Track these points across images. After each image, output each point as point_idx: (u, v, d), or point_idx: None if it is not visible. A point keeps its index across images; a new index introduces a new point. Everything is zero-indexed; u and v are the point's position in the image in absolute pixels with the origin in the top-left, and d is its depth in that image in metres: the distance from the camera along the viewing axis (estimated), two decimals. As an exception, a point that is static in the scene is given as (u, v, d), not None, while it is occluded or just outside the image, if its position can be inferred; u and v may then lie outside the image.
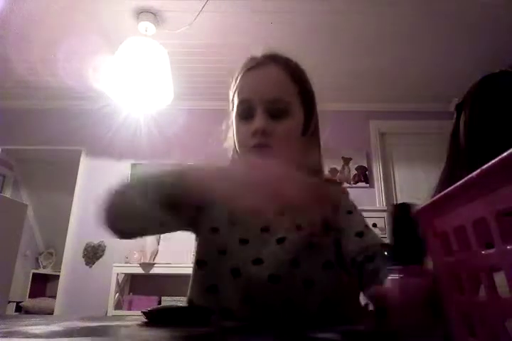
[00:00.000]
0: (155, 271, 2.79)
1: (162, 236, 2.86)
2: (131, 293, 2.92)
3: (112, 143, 3.32)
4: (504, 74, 0.76)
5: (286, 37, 2.62)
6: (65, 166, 3.56)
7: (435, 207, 0.30)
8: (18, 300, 3.72)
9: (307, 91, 0.82)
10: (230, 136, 0.86)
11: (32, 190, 4.32)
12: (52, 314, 3.04)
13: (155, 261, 2.82)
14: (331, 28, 2.54)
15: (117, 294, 2.76)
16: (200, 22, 2.43)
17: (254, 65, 0.80)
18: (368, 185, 3.28)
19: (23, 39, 2.64)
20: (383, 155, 3.40)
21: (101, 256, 3.09)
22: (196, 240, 0.82)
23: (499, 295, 0.24)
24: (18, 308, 3.71)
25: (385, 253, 0.70)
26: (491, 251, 0.24)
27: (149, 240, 2.82)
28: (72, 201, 3.24)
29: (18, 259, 3.13)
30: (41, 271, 4.22)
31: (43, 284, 4.20)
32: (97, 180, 3.30)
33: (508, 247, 0.22)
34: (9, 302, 3.29)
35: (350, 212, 0.79)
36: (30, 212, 3.98)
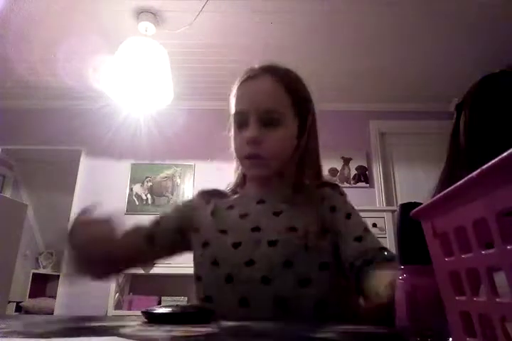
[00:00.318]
0: (155, 270, 2.77)
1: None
2: (131, 293, 2.92)
3: (112, 143, 3.32)
4: (504, 74, 0.76)
5: (286, 37, 2.63)
6: (65, 166, 3.56)
7: (435, 207, 0.30)
8: (18, 300, 3.72)
9: (302, 101, 0.85)
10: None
11: (32, 190, 4.32)
12: (52, 314, 3.04)
13: (155, 261, 2.81)
14: (331, 28, 2.54)
15: (117, 294, 2.76)
16: (200, 22, 2.43)
17: (250, 77, 0.83)
18: (368, 185, 3.28)
19: (23, 39, 2.64)
20: (383, 155, 3.40)
21: (101, 256, 3.09)
22: (193, 257, 0.85)
23: (499, 295, 0.24)
24: (18, 308, 3.71)
25: (385, 254, 0.70)
26: (491, 251, 0.24)
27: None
28: (72, 201, 3.24)
29: (18, 259, 3.14)
30: (41, 271, 4.22)
31: (43, 284, 4.20)
32: (97, 180, 3.30)
33: (508, 247, 0.22)
34: (9, 302, 3.29)
35: (348, 216, 0.79)
36: (30, 212, 3.98)
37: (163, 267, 2.79)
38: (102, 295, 2.76)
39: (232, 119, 0.85)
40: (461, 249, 0.27)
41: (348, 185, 3.27)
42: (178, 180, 3.29)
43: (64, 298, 3.01)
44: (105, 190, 3.26)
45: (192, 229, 0.85)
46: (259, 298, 0.71)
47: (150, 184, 3.28)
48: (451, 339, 0.32)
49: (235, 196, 0.88)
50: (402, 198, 3.29)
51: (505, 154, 0.21)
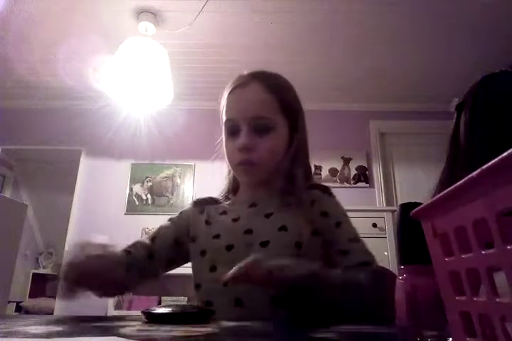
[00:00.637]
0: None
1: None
2: (131, 293, 2.92)
3: (112, 143, 3.32)
4: (504, 74, 0.76)
5: (286, 37, 2.63)
6: (65, 166, 3.56)
7: (435, 207, 0.30)
8: (18, 300, 3.72)
9: (291, 107, 0.87)
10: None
11: (32, 190, 4.32)
12: (52, 314, 3.04)
13: (155, 261, 2.81)
14: (331, 27, 2.54)
15: (117, 294, 2.76)
16: (200, 22, 2.43)
17: (239, 84, 0.85)
18: (368, 185, 3.28)
19: (24, 39, 2.64)
20: (383, 155, 3.40)
21: (101, 256, 3.09)
22: (191, 267, 0.86)
23: (499, 295, 0.24)
24: (18, 308, 3.71)
25: (366, 269, 0.72)
26: (491, 251, 0.24)
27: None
28: (72, 201, 3.24)
29: (18, 259, 3.13)
30: (41, 271, 4.22)
31: (43, 284, 4.20)
32: (97, 180, 3.30)
33: (508, 247, 0.22)
34: (9, 302, 3.29)
35: (338, 224, 0.80)
36: (30, 212, 3.98)
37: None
38: (102, 295, 2.76)
39: (223, 127, 0.87)
40: (461, 249, 0.27)
41: (348, 185, 3.27)
42: (178, 180, 3.29)
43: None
44: (105, 190, 3.26)
45: (189, 239, 0.86)
46: (253, 299, 0.72)
47: (150, 184, 3.28)
48: (451, 339, 0.32)
49: (228, 202, 0.91)
50: (402, 198, 3.29)
51: (505, 154, 0.21)
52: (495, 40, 2.61)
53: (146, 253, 0.85)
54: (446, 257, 0.29)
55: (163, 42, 2.41)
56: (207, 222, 0.86)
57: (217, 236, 0.81)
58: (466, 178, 0.24)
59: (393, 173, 3.40)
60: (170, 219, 0.93)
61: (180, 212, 0.94)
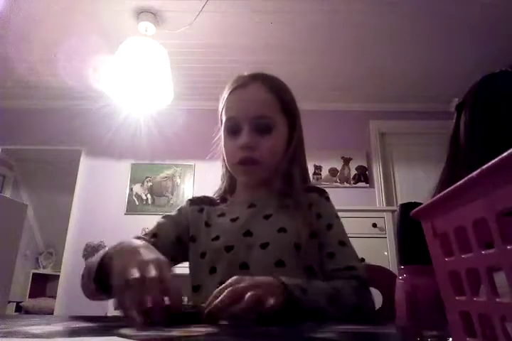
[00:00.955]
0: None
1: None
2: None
3: (112, 143, 3.32)
4: (504, 74, 0.76)
5: (286, 37, 2.63)
6: (65, 166, 3.56)
7: (435, 207, 0.30)
8: (18, 300, 3.72)
9: (290, 106, 0.88)
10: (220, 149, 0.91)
11: (32, 190, 4.32)
12: (52, 314, 3.04)
13: (155, 261, 2.81)
14: (331, 27, 2.54)
15: (117, 294, 2.76)
16: (200, 22, 2.43)
17: (239, 84, 0.86)
18: (368, 185, 3.28)
19: (24, 39, 2.64)
20: (383, 155, 3.40)
21: (101, 256, 3.09)
22: (189, 267, 0.85)
23: (499, 295, 0.24)
24: (18, 308, 3.71)
25: (351, 272, 0.74)
26: (491, 251, 0.24)
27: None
28: (72, 201, 3.24)
29: (18, 259, 3.14)
30: (41, 271, 4.22)
31: (43, 284, 4.20)
32: (97, 180, 3.30)
33: (508, 247, 0.22)
34: (9, 302, 3.29)
35: (329, 226, 0.81)
36: (30, 212, 3.98)
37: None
38: (102, 295, 2.76)
39: (222, 127, 0.87)
40: (461, 249, 0.27)
41: (348, 185, 3.27)
42: (178, 180, 3.29)
43: (64, 298, 3.01)
44: (105, 190, 3.26)
45: (189, 237, 0.86)
46: None
47: (150, 184, 3.28)
48: (451, 339, 0.32)
49: (226, 203, 0.91)
50: (402, 198, 3.29)
51: (505, 154, 0.21)
52: (495, 40, 2.61)
53: None
54: (446, 257, 0.29)
55: (163, 42, 2.41)
56: (206, 224, 0.86)
57: (216, 238, 0.81)
58: (466, 178, 0.24)
59: (393, 173, 3.40)
60: (167, 216, 0.91)
61: (179, 209, 0.93)
